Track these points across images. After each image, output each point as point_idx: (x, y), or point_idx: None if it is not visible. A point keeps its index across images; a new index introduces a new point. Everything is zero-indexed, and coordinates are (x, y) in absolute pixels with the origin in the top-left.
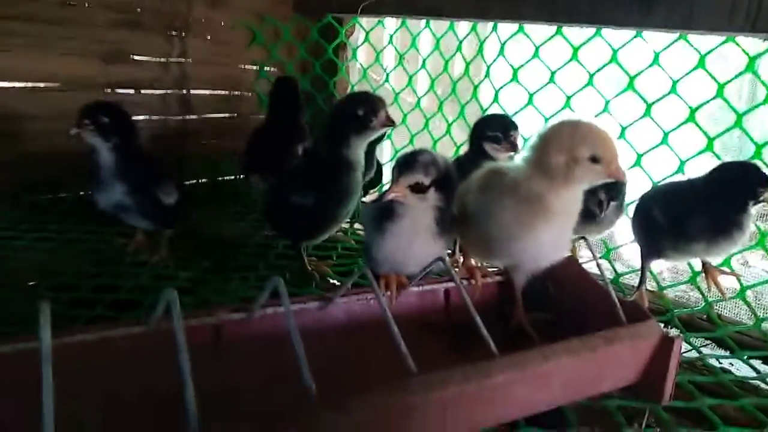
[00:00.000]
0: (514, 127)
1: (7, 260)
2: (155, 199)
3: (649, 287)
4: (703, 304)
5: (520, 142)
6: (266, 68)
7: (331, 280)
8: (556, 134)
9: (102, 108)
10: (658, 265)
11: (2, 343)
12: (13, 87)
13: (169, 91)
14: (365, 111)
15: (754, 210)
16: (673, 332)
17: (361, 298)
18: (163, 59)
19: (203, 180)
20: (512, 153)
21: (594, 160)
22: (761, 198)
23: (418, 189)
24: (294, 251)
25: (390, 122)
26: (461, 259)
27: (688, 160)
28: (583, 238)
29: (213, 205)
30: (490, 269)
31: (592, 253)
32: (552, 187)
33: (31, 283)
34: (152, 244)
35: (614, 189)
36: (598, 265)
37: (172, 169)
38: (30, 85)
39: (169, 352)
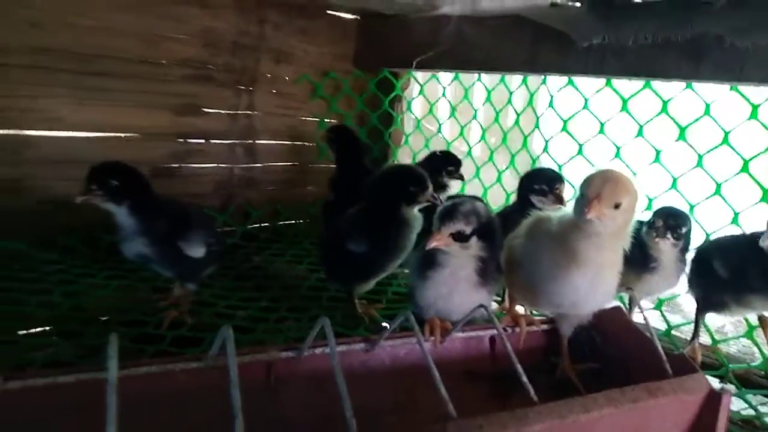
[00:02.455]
0: (560, 180)
1: (81, 296)
2: (177, 251)
3: (702, 341)
4: (761, 360)
5: (566, 195)
6: (326, 120)
7: (381, 323)
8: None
9: (110, 170)
10: (719, 319)
11: (70, 372)
12: (87, 136)
13: (236, 141)
14: (416, 188)
15: None
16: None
17: (406, 342)
18: (231, 111)
19: (266, 224)
20: (558, 206)
21: (582, 196)
22: None
23: (460, 237)
24: (346, 294)
25: (434, 199)
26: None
27: (742, 212)
28: (629, 288)
29: (274, 248)
30: (537, 318)
31: (636, 303)
32: (583, 234)
33: (102, 318)
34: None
35: (678, 233)
36: (644, 316)
37: (208, 220)
38: (102, 135)
39: (225, 387)
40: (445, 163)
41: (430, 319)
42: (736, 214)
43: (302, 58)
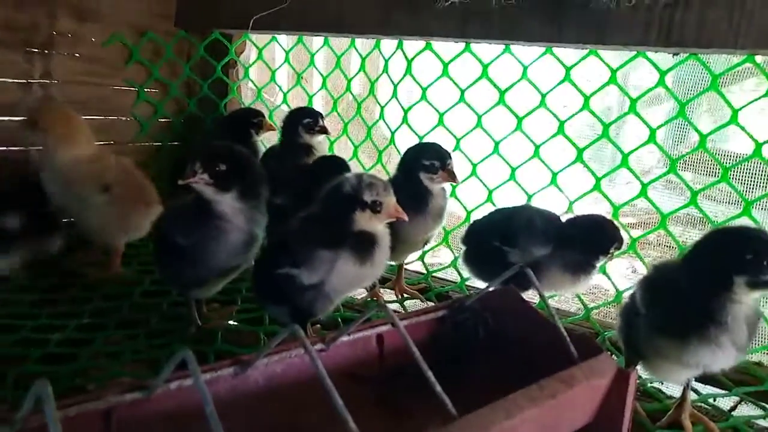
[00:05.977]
0: (450, 156)
1: None
2: None
3: (574, 309)
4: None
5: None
6: (146, 89)
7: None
8: None
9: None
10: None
11: None
12: None
13: None
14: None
15: None
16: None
17: (283, 357)
18: (21, 80)
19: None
20: (450, 183)
21: None
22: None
23: None
24: (184, 300)
25: None
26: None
27: (559, 171)
28: (522, 266)
29: (90, 248)
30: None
31: (535, 285)
32: None
33: None
34: None
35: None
36: (542, 297)
37: None
38: None
39: None
40: (298, 117)
41: None
42: (555, 174)
43: (112, 15)
